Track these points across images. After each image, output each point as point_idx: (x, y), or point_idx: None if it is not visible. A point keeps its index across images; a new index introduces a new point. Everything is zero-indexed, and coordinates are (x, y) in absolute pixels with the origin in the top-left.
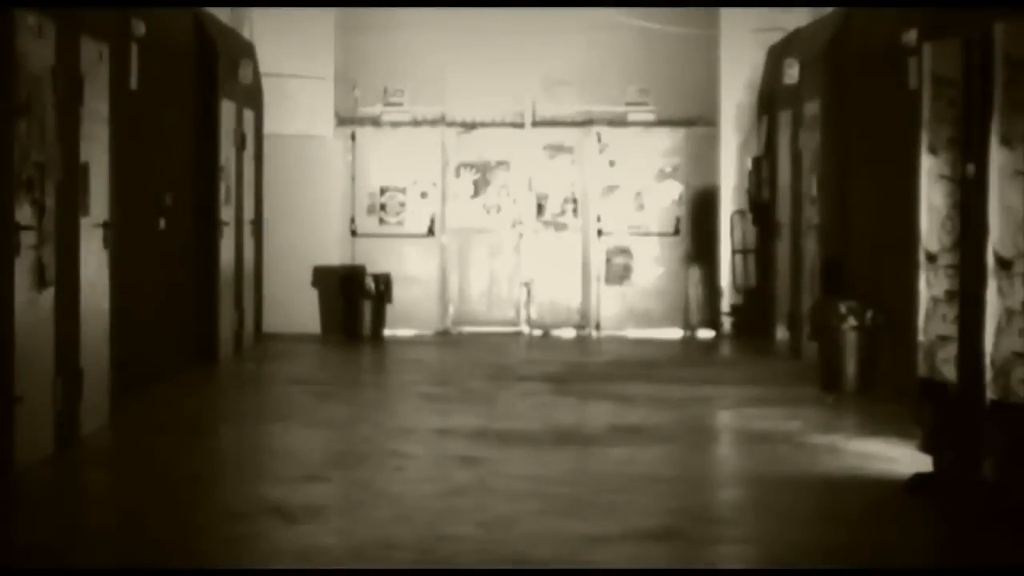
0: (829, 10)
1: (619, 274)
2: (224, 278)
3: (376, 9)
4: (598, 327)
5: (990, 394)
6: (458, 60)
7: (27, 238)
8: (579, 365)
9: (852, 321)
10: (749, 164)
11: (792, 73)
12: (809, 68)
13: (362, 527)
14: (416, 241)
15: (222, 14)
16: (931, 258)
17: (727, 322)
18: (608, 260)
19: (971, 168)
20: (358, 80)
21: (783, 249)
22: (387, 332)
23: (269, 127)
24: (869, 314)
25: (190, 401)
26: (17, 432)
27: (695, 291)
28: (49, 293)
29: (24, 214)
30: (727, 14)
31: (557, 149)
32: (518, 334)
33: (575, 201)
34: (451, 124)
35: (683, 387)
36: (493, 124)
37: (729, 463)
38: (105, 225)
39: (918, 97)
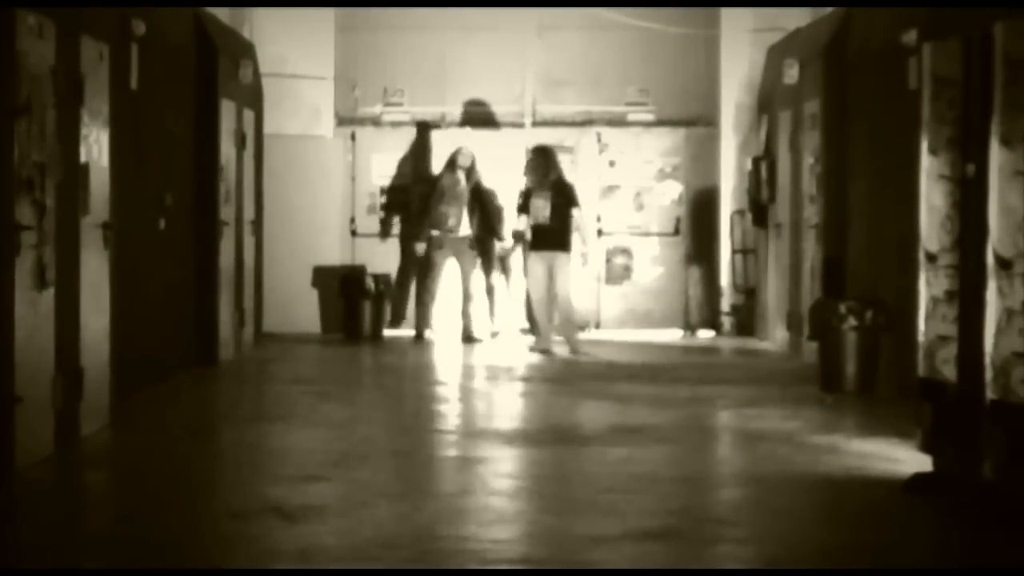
0: (829, 10)
1: (619, 274)
2: (224, 278)
3: (376, 9)
4: (598, 327)
5: (990, 394)
6: (458, 60)
7: (27, 238)
8: (579, 365)
9: (852, 321)
10: (749, 164)
11: (792, 73)
12: (809, 68)
13: (362, 527)
14: None
15: (222, 14)
16: (931, 258)
17: (727, 322)
18: (608, 260)
19: (971, 168)
20: (358, 80)
21: (783, 249)
22: (386, 332)
23: (269, 127)
24: (869, 314)
25: (190, 401)
26: (17, 432)
27: (695, 291)
28: (49, 293)
29: (24, 214)
30: (727, 14)
31: (557, 149)
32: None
33: None
34: (450, 124)
35: (683, 387)
36: (493, 124)
37: (729, 463)
38: (105, 225)
39: (918, 97)
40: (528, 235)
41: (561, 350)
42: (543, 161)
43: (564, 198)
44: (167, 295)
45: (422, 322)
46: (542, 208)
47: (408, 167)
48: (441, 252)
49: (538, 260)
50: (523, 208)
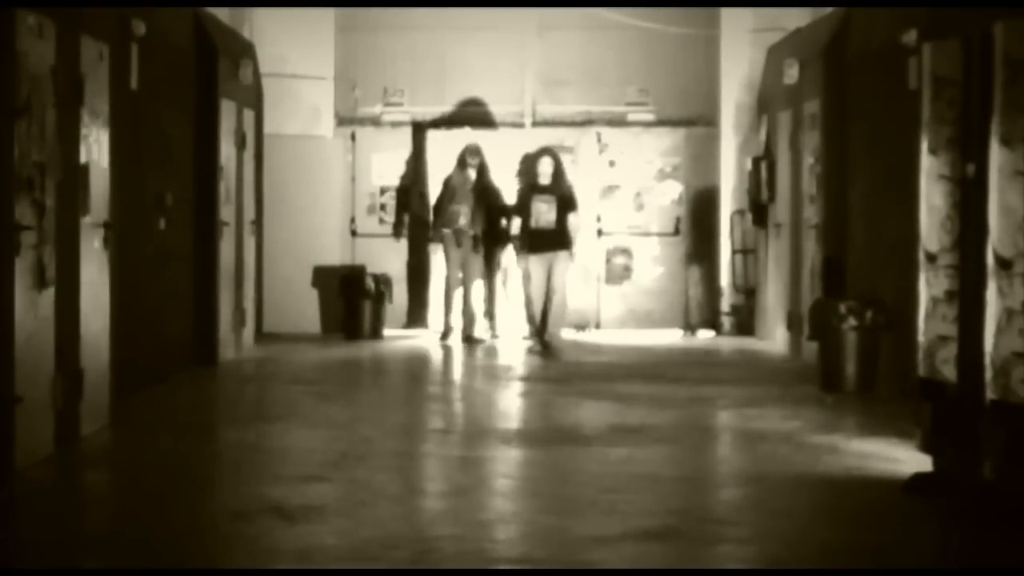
0: (829, 10)
1: (619, 274)
2: (224, 278)
3: (376, 9)
4: (598, 327)
5: (990, 394)
6: (458, 60)
7: (27, 238)
8: (579, 365)
9: (852, 321)
10: (749, 164)
11: (792, 73)
12: (809, 68)
13: (362, 527)
14: None
15: (222, 14)
16: (931, 258)
17: (727, 322)
18: (608, 260)
19: (971, 168)
20: (358, 80)
21: (783, 249)
22: (386, 332)
23: (269, 127)
24: (869, 314)
25: (190, 401)
26: (17, 432)
27: (695, 291)
28: (49, 293)
29: (24, 214)
30: (727, 14)
31: (557, 149)
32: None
33: None
34: (452, 124)
35: (683, 387)
36: (493, 124)
37: (729, 463)
38: (105, 225)
39: (918, 97)
40: (524, 238)
41: (557, 345)
42: (556, 166)
43: (565, 201)
44: (167, 295)
45: (448, 321)
46: (545, 212)
47: (411, 167)
48: (453, 250)
49: (538, 262)
50: (520, 210)
